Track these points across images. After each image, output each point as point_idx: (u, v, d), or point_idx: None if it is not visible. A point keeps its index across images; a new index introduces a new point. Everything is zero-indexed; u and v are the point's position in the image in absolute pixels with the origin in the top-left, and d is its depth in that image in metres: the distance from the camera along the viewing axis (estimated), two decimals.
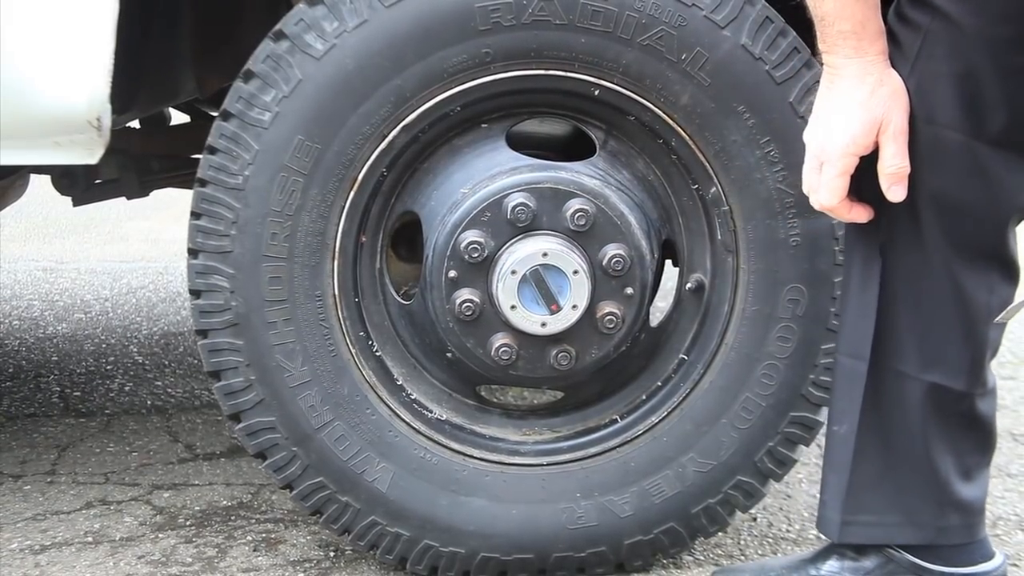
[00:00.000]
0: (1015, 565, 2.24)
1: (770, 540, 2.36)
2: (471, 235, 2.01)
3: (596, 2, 1.95)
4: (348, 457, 2.07)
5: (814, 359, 2.08)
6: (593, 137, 2.10)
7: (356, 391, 2.07)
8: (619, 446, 2.13)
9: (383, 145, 2.00)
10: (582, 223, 2.02)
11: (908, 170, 1.74)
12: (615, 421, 2.16)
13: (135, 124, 3.05)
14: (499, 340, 2.04)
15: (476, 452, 2.12)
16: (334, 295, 2.05)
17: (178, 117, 3.26)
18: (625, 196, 2.07)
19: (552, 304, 2.01)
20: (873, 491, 1.89)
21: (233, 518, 2.44)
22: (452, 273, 2.02)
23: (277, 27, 1.97)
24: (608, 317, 2.05)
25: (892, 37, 1.75)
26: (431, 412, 2.13)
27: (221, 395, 2.06)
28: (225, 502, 2.52)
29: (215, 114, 2.13)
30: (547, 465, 2.12)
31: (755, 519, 2.44)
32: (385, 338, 2.14)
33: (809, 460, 2.68)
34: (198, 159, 2.03)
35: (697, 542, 2.21)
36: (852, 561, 1.94)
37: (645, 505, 2.12)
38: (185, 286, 2.59)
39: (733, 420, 2.10)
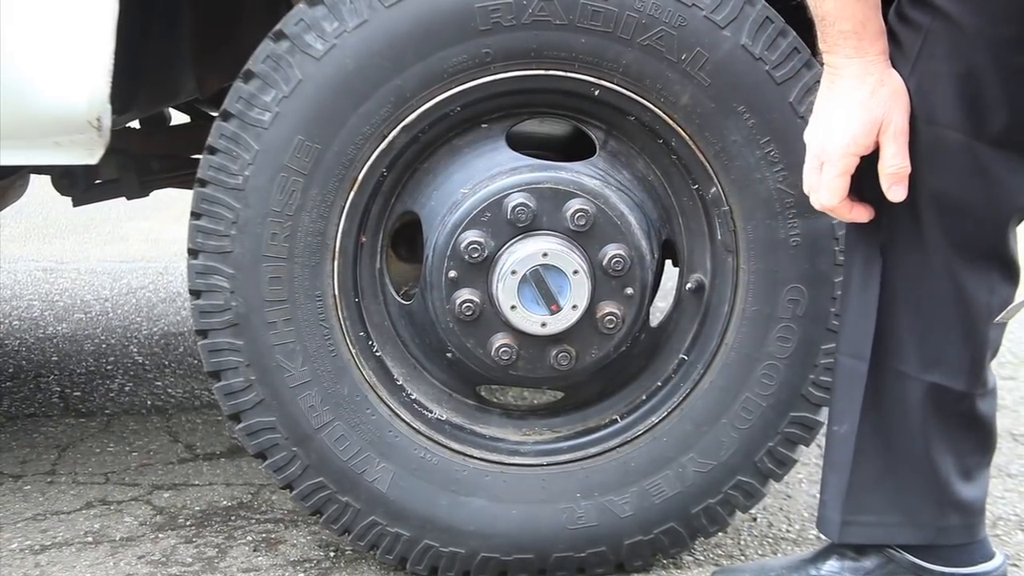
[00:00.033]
0: (1015, 565, 2.24)
1: (770, 540, 2.36)
2: (471, 235, 2.01)
3: (596, 2, 1.95)
4: (348, 457, 2.07)
5: (814, 359, 2.08)
6: (593, 137, 2.10)
7: (356, 391, 2.07)
8: (619, 446, 2.13)
9: (383, 145, 2.00)
10: (582, 223, 2.02)
11: (908, 170, 1.74)
12: (615, 421, 2.16)
13: (135, 124, 3.05)
14: (499, 340, 2.04)
15: (476, 452, 2.12)
16: (334, 295, 2.05)
17: (178, 117, 3.26)
18: (625, 196, 2.07)
19: (552, 304, 2.01)
20: (873, 491, 1.89)
21: (233, 518, 2.44)
22: (452, 273, 2.02)
23: (277, 27, 1.97)
24: (608, 317, 2.05)
25: (893, 37, 1.75)
26: (431, 412, 2.13)
27: (221, 395, 2.06)
28: (225, 502, 2.52)
29: (215, 114, 2.13)
30: (547, 465, 2.12)
31: (755, 519, 2.44)
32: (385, 338, 2.14)
33: (809, 460, 2.68)
34: (198, 159, 2.03)
35: (697, 542, 2.21)
36: (852, 561, 1.94)
37: (645, 505, 2.12)
38: (185, 286, 2.59)
39: (733, 420, 2.10)
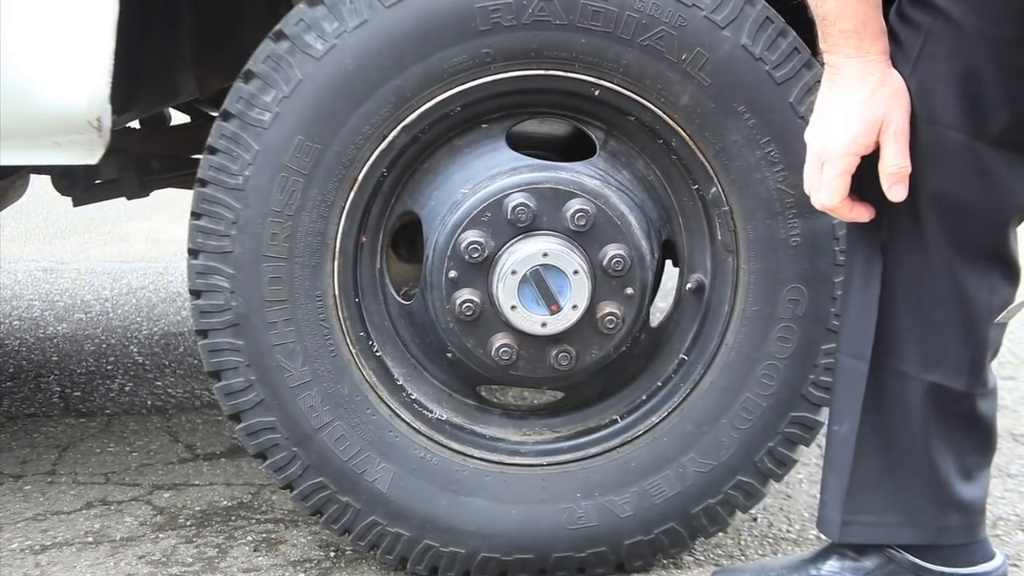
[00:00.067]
0: (1015, 565, 2.24)
1: (770, 540, 2.36)
2: (471, 235, 2.01)
3: (596, 2, 1.95)
4: (348, 457, 2.07)
5: (814, 359, 2.08)
6: (593, 137, 2.10)
7: (356, 391, 2.07)
8: (619, 446, 2.13)
9: (383, 145, 2.00)
10: (582, 223, 2.02)
11: (909, 170, 1.74)
12: (615, 421, 2.16)
13: (135, 124, 3.05)
14: (499, 340, 2.04)
15: (476, 452, 2.12)
16: (334, 295, 2.04)
17: (178, 117, 3.26)
18: (625, 196, 2.07)
19: (552, 304, 2.01)
20: (874, 491, 1.89)
21: (233, 518, 2.44)
22: (452, 273, 2.02)
23: (277, 27, 1.97)
24: (608, 317, 2.05)
25: (893, 37, 1.75)
26: (431, 412, 2.13)
27: (221, 395, 2.06)
28: (225, 502, 2.52)
29: (215, 114, 2.13)
30: (547, 465, 2.12)
31: (755, 519, 2.44)
32: (385, 338, 2.14)
33: (809, 460, 2.68)
34: (198, 159, 2.03)
35: (697, 542, 2.21)
36: (852, 561, 1.94)
37: (645, 505, 2.12)
38: (185, 286, 2.59)
39: (733, 420, 2.10)
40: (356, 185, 2.01)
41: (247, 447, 2.09)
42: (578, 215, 2.01)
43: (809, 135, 1.80)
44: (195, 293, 2.03)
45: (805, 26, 1.86)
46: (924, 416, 1.85)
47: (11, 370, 3.40)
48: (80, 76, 1.98)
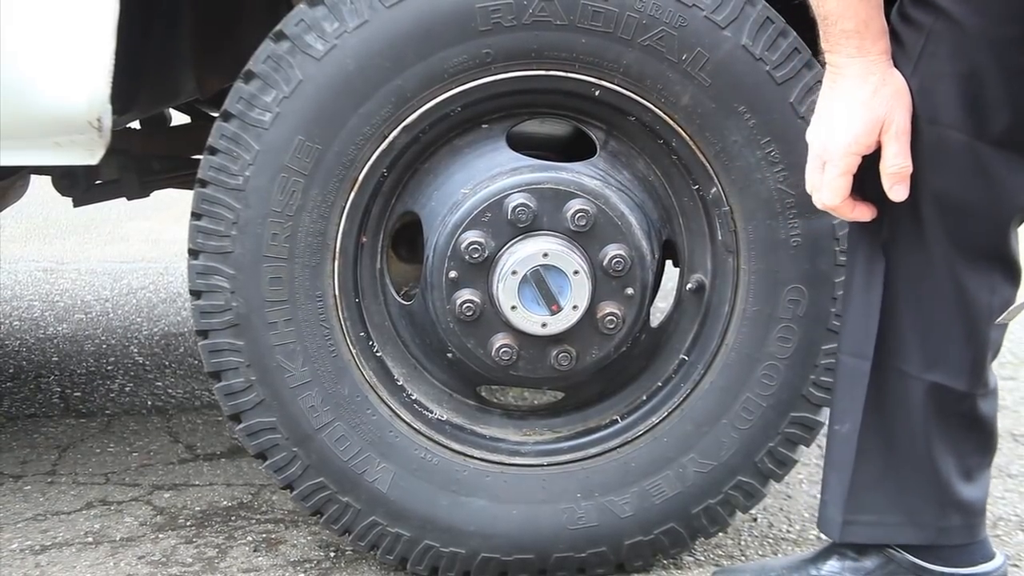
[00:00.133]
0: (1015, 566, 2.24)
1: (770, 540, 2.36)
2: (472, 235, 2.01)
3: (597, 2, 1.95)
4: (349, 457, 2.07)
5: (815, 359, 2.08)
6: (593, 137, 2.10)
7: (357, 391, 2.07)
8: (619, 446, 2.13)
9: (384, 145, 2.00)
10: (583, 223, 2.02)
11: (910, 170, 1.74)
12: (615, 421, 2.16)
13: (135, 125, 3.05)
14: (500, 340, 2.04)
15: (476, 452, 2.11)
16: (335, 295, 2.04)
17: (178, 118, 3.26)
18: (626, 196, 2.07)
19: (553, 304, 2.01)
20: (874, 491, 1.89)
21: (233, 518, 2.44)
22: (453, 273, 2.02)
23: (278, 28, 1.97)
24: (608, 317, 2.04)
25: (895, 37, 1.75)
26: (432, 412, 2.13)
27: (222, 395, 2.06)
28: (225, 502, 2.52)
29: (215, 115, 2.13)
30: (548, 465, 2.12)
31: (755, 519, 2.44)
32: (386, 338, 2.14)
33: (809, 460, 2.68)
34: (199, 160, 2.03)
35: (697, 542, 2.21)
36: (853, 561, 1.94)
37: (645, 505, 2.12)
38: (185, 286, 2.59)
39: (733, 420, 2.10)
40: (356, 185, 2.01)
41: (247, 447, 2.09)
42: (578, 215, 2.01)
43: (811, 135, 1.80)
44: (195, 293, 2.03)
45: (806, 26, 1.86)
46: (925, 416, 1.85)
47: (11, 370, 3.40)
48: (80, 76, 1.98)
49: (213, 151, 2.00)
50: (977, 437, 1.90)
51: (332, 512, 2.10)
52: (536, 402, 2.84)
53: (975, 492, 1.90)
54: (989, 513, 2.11)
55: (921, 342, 1.83)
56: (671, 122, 2.02)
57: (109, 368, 3.42)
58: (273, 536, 2.36)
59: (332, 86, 1.96)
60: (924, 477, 1.87)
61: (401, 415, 2.09)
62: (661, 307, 2.26)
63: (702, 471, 2.11)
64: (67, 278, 4.56)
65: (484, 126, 2.07)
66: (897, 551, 1.92)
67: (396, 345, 2.14)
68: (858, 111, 1.72)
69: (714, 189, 2.05)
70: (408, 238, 2.15)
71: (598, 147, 2.10)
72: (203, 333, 2.03)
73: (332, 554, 2.27)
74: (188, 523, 2.42)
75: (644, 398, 2.16)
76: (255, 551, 2.30)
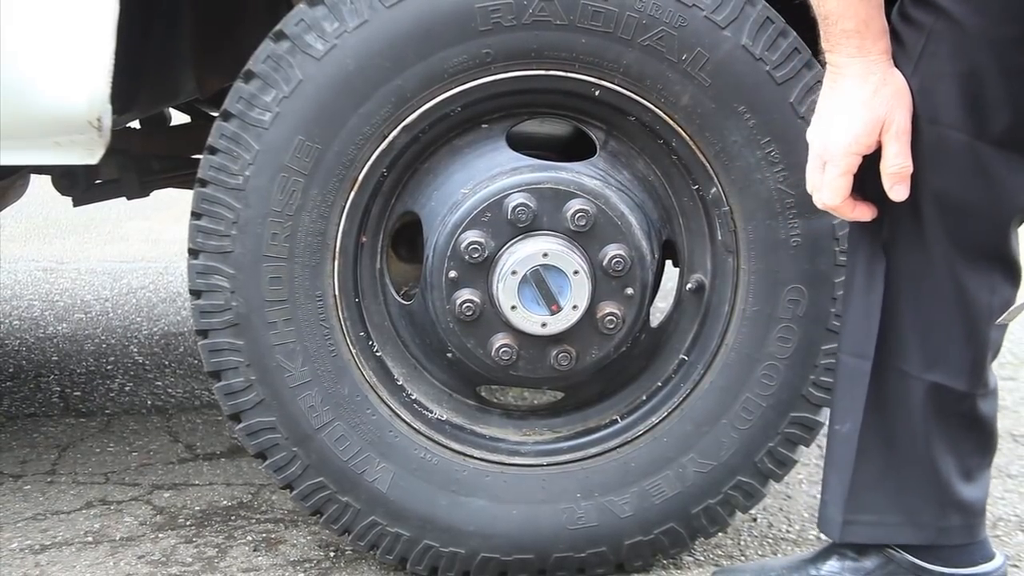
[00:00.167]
0: (1015, 566, 2.24)
1: (770, 540, 2.36)
2: (471, 235, 2.01)
3: (597, 2, 1.95)
4: (348, 457, 2.07)
5: (814, 359, 2.08)
6: (593, 137, 2.10)
7: (356, 391, 2.07)
8: (619, 446, 2.13)
9: (383, 145, 2.00)
10: (582, 223, 2.02)
11: (911, 170, 1.74)
12: (615, 421, 2.16)
13: (135, 124, 3.05)
14: (499, 340, 2.04)
15: (476, 452, 2.11)
16: (334, 295, 2.04)
17: (178, 117, 3.26)
18: (625, 196, 2.07)
19: (552, 304, 2.01)
20: (875, 491, 1.89)
21: (233, 518, 2.44)
22: (452, 273, 2.02)
23: (278, 27, 1.97)
24: (608, 317, 2.04)
25: (895, 36, 1.75)
26: (431, 412, 2.13)
27: (221, 395, 2.06)
28: (225, 502, 2.52)
29: (215, 114, 2.13)
30: (547, 465, 2.12)
31: (755, 520, 2.44)
32: (385, 338, 2.14)
33: (809, 460, 2.68)
34: (198, 159, 2.03)
35: (697, 542, 2.21)
36: (852, 561, 1.93)
37: (645, 505, 2.12)
38: (185, 286, 2.59)
39: (733, 420, 2.10)
40: (356, 185, 2.01)
41: (247, 447, 2.09)
42: (578, 215, 2.01)
43: (811, 135, 1.80)
44: (195, 293, 2.03)
45: (806, 26, 1.86)
46: (925, 416, 1.85)
47: (11, 370, 3.40)
48: (80, 76, 1.98)
49: (213, 151, 2.00)
50: (977, 437, 1.90)
51: (332, 512, 2.10)
52: (536, 402, 2.84)
53: (975, 492, 1.90)
54: (989, 513, 2.11)
55: (921, 342, 1.83)
56: (671, 122, 2.02)
57: (109, 368, 3.42)
58: (273, 536, 2.36)
59: (332, 86, 1.96)
60: (924, 477, 1.87)
61: (401, 415, 2.09)
62: (661, 307, 2.26)
63: (702, 471, 2.11)
64: (67, 278, 4.56)
65: (484, 126, 2.07)
66: (897, 551, 1.92)
67: (396, 345, 2.14)
68: (858, 111, 1.72)
69: (714, 189, 2.05)
70: (408, 238, 2.15)
71: (598, 147, 2.10)
72: (203, 333, 2.03)
73: (332, 554, 2.27)
74: (188, 523, 2.42)
75: (644, 398, 2.16)
76: (255, 551, 2.30)
